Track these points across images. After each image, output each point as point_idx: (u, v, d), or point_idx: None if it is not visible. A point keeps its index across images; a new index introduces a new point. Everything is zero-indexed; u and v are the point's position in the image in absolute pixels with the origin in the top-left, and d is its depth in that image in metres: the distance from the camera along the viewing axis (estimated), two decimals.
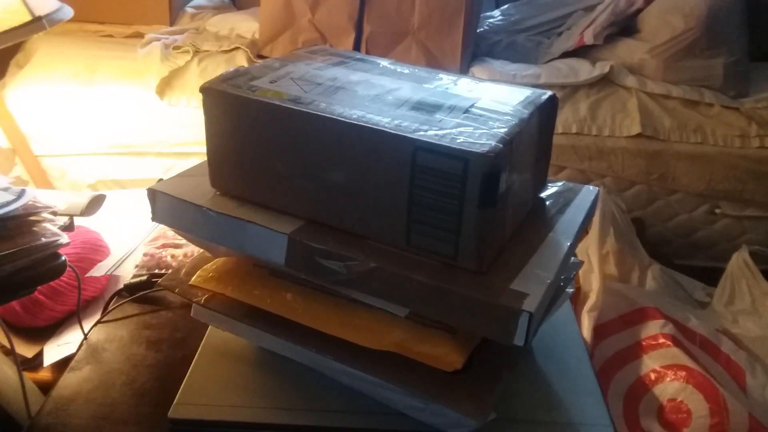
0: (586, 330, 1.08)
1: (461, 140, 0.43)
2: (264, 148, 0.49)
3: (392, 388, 0.48)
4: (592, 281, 1.17)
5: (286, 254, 0.48)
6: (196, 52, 1.50)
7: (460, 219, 0.43)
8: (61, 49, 1.54)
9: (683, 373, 0.97)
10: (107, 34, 1.62)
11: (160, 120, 1.48)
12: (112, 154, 1.50)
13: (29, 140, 1.48)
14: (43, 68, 1.51)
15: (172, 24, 1.65)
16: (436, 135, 0.43)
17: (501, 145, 0.42)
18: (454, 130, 0.44)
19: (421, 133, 0.43)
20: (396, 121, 0.45)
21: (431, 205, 0.44)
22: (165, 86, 1.47)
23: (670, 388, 0.97)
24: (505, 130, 0.45)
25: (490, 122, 0.46)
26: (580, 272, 1.19)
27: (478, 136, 0.43)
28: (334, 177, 0.47)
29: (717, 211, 1.48)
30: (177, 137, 1.48)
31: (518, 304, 0.41)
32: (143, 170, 1.50)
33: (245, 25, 1.62)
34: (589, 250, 1.21)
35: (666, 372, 0.99)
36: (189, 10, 1.75)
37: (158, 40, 1.52)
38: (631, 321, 1.10)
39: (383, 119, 0.45)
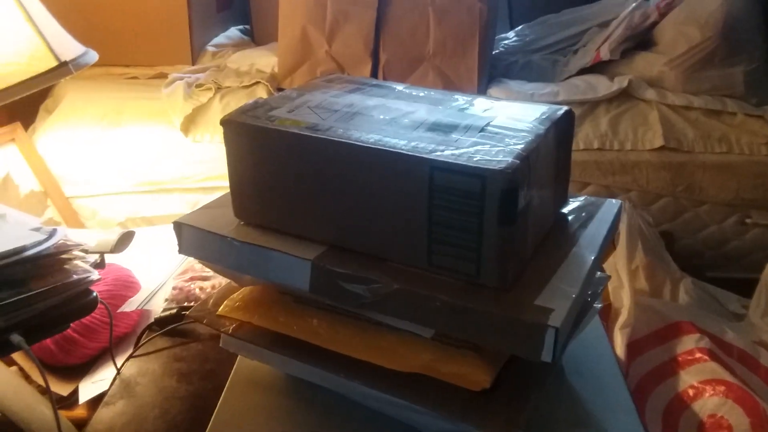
0: (620, 347, 1.07)
1: (478, 158, 0.43)
2: (284, 176, 0.50)
3: (421, 411, 0.48)
4: (623, 297, 1.15)
5: (310, 280, 0.48)
6: (218, 88, 1.54)
7: (481, 237, 0.43)
8: (88, 93, 1.58)
9: (722, 388, 0.95)
10: (132, 76, 1.66)
11: (185, 157, 1.51)
12: (140, 192, 1.53)
13: (60, 182, 1.52)
14: (72, 112, 1.56)
15: (194, 63, 1.69)
16: (452, 154, 0.44)
17: (518, 162, 0.42)
18: (470, 149, 0.44)
19: (438, 153, 0.44)
20: (413, 143, 0.45)
21: (451, 224, 0.44)
22: (189, 123, 1.50)
23: (709, 404, 0.94)
24: (522, 146, 0.45)
25: (507, 139, 0.46)
26: (611, 289, 1.18)
27: (494, 154, 0.43)
28: (354, 201, 0.47)
29: (747, 221, 1.46)
30: (202, 173, 1.51)
31: (544, 320, 0.41)
32: (170, 206, 1.53)
33: (264, 60, 1.65)
34: (618, 265, 1.19)
35: (704, 387, 0.97)
36: (210, 48, 1.79)
37: (181, 79, 1.56)
38: (666, 336, 1.08)
39: (400, 141, 0.45)
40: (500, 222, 0.42)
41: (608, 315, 1.16)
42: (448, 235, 0.44)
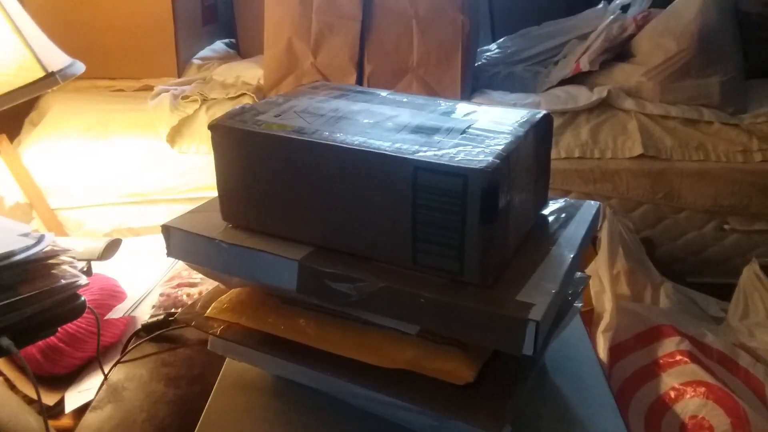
0: (602, 350, 1.08)
1: (460, 158, 0.44)
2: (271, 179, 0.51)
3: (407, 407, 0.49)
4: (604, 302, 1.17)
5: (297, 280, 0.50)
6: (204, 100, 1.55)
7: (463, 235, 0.44)
8: (73, 105, 1.58)
9: (703, 389, 0.96)
10: (118, 89, 1.67)
11: (171, 168, 1.52)
12: (126, 203, 1.53)
13: (45, 194, 1.51)
14: (57, 124, 1.56)
15: (179, 76, 1.70)
16: (435, 155, 0.45)
17: (498, 161, 0.44)
18: (452, 150, 0.46)
19: (421, 153, 0.45)
20: (396, 145, 0.47)
21: (434, 223, 0.45)
22: (175, 135, 1.51)
23: (690, 405, 0.96)
24: (502, 147, 0.47)
25: (487, 141, 0.48)
26: (593, 293, 1.20)
27: (476, 154, 0.45)
28: (340, 202, 0.49)
29: (726, 227, 1.49)
30: (188, 183, 1.52)
31: (525, 314, 0.43)
32: (156, 217, 1.53)
33: (250, 73, 1.67)
34: (599, 270, 1.21)
35: (685, 389, 0.99)
36: (195, 61, 1.80)
37: (167, 91, 1.57)
38: (647, 340, 1.10)
39: (384, 143, 0.47)
40: (482, 220, 0.44)
41: (591, 319, 1.18)
42: (432, 233, 0.46)
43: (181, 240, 0.54)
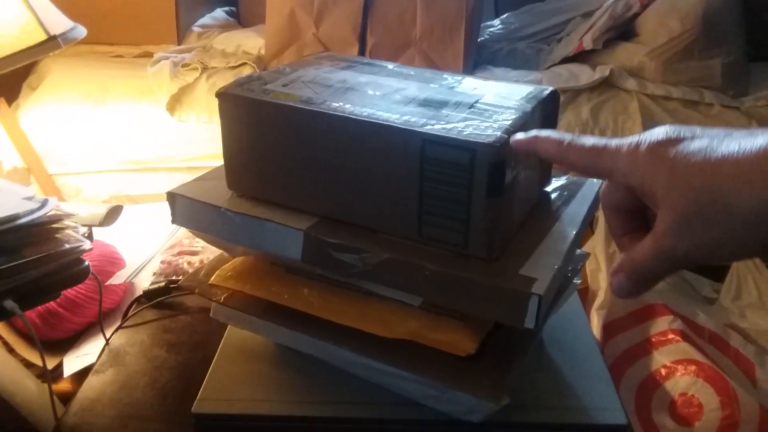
0: (596, 328, 1.10)
1: (468, 132, 0.45)
2: (278, 149, 0.51)
3: (407, 377, 0.50)
4: (600, 280, 1.18)
5: (302, 250, 0.50)
6: (204, 69, 1.53)
7: (469, 208, 0.45)
8: (72, 70, 1.57)
9: (693, 368, 0.98)
10: (117, 55, 1.65)
11: (170, 136, 1.51)
12: (125, 170, 1.53)
13: (43, 159, 1.51)
14: (56, 89, 1.55)
15: (179, 43, 1.69)
16: (443, 128, 0.45)
17: (506, 136, 0.44)
18: (460, 124, 0.46)
19: (429, 126, 0.45)
20: (405, 117, 0.47)
21: (441, 196, 0.46)
22: (175, 103, 1.50)
23: (681, 383, 0.98)
24: (510, 122, 0.47)
25: (495, 116, 0.48)
26: (588, 271, 1.21)
27: (484, 128, 0.45)
28: (347, 173, 0.49)
29: None
30: (187, 152, 1.51)
31: (528, 288, 0.43)
32: (155, 185, 1.53)
33: (251, 42, 1.65)
34: (596, 249, 1.22)
35: (676, 367, 1.00)
36: (195, 29, 1.78)
37: (167, 58, 1.55)
38: (640, 318, 1.12)
39: (392, 116, 0.47)
40: (488, 194, 0.44)
41: (586, 297, 1.19)
42: (438, 206, 0.46)
43: (186, 207, 0.54)
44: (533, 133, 0.41)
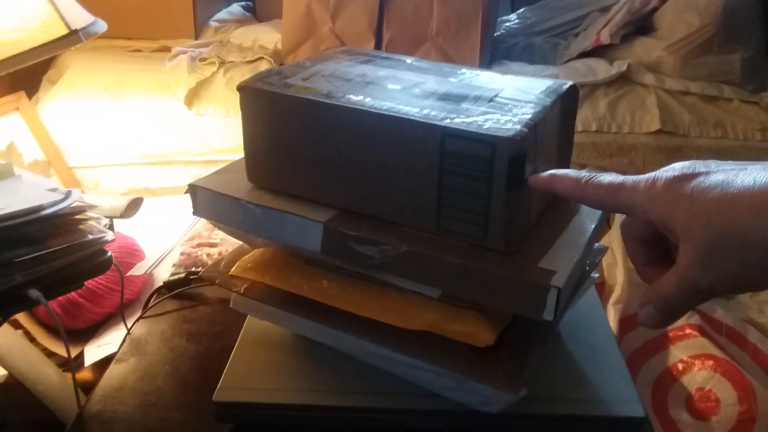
0: (613, 322, 1.10)
1: (488, 126, 0.45)
2: (299, 142, 0.51)
3: (425, 368, 0.50)
4: (616, 275, 1.18)
5: (321, 242, 0.51)
6: (222, 63, 1.55)
7: (489, 201, 0.45)
8: (91, 64, 1.59)
9: (711, 362, 0.98)
10: (135, 49, 1.67)
11: (188, 130, 1.53)
12: (143, 164, 1.55)
13: (63, 152, 1.53)
14: (75, 83, 1.56)
15: (197, 38, 1.70)
16: (463, 122, 0.45)
17: (526, 130, 0.44)
18: (480, 118, 0.46)
19: (449, 120, 0.46)
20: (425, 111, 0.47)
21: (460, 189, 0.46)
22: (193, 97, 1.52)
23: (698, 377, 0.98)
24: (530, 116, 0.47)
25: (515, 110, 0.48)
26: (605, 266, 1.21)
27: (504, 122, 0.45)
28: (367, 166, 0.49)
29: None
30: (204, 146, 1.53)
31: (547, 281, 0.44)
32: (173, 179, 1.55)
33: (267, 36, 1.66)
34: (613, 244, 1.22)
35: (693, 362, 1.00)
36: (213, 23, 1.80)
37: (185, 53, 1.57)
38: None
39: (412, 109, 0.47)
40: (508, 187, 0.44)
41: (602, 291, 1.19)
42: (457, 199, 0.46)
43: (207, 199, 0.55)
44: (550, 171, 0.42)
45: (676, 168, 0.35)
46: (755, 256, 0.31)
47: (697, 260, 0.33)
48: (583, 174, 0.40)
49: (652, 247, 0.39)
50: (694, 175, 0.34)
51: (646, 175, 0.36)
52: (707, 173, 0.34)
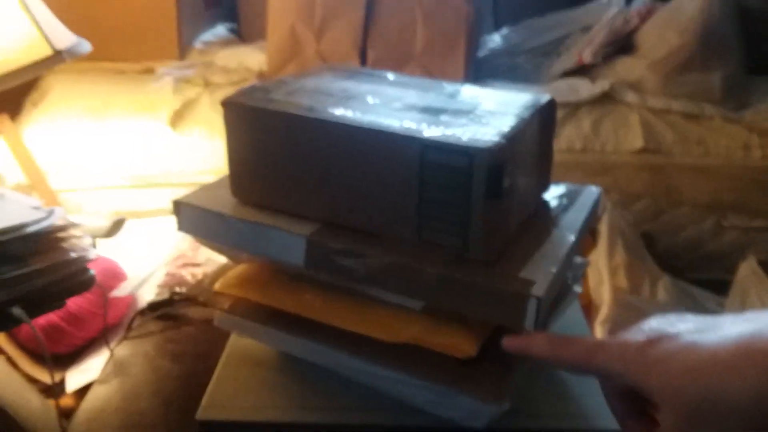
0: None
1: (467, 137, 0.45)
2: (281, 156, 0.52)
3: (410, 382, 0.50)
4: (603, 293, 1.18)
5: (305, 255, 0.51)
6: (207, 84, 1.55)
7: (468, 212, 0.45)
8: (75, 86, 1.59)
9: None
10: (119, 71, 1.67)
11: (173, 151, 1.53)
12: (127, 186, 1.54)
13: (47, 175, 1.52)
14: (59, 105, 1.56)
15: (181, 59, 1.71)
16: (443, 134, 0.46)
17: (504, 141, 0.45)
18: (459, 130, 0.47)
19: (429, 132, 0.46)
20: (405, 124, 0.48)
21: (440, 200, 0.46)
22: (177, 118, 1.52)
23: None
24: (508, 128, 0.47)
25: (493, 122, 0.49)
26: (591, 285, 1.21)
27: (482, 134, 0.46)
28: (348, 179, 0.50)
29: (724, 223, 1.50)
30: (190, 168, 1.53)
31: (527, 290, 0.44)
32: (157, 201, 1.54)
33: (252, 58, 1.67)
34: (599, 263, 1.23)
35: None
36: (197, 45, 1.81)
37: (169, 74, 1.57)
38: None
39: (393, 122, 0.48)
40: (487, 197, 0.45)
41: (589, 311, 1.19)
42: (438, 210, 0.47)
43: (191, 215, 0.55)
44: (524, 335, 0.43)
45: (645, 331, 0.36)
46: (735, 419, 0.32)
47: (676, 427, 0.34)
48: (558, 337, 0.41)
49: (632, 400, 0.39)
50: (662, 339, 0.35)
51: (619, 339, 0.38)
52: (676, 335, 0.35)
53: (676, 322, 0.36)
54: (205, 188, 0.58)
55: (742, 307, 1.26)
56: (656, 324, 0.37)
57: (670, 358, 0.34)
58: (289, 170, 0.52)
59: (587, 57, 1.59)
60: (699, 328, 0.34)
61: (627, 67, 1.57)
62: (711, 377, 0.32)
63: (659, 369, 0.34)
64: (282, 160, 0.52)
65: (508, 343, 0.43)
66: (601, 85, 1.51)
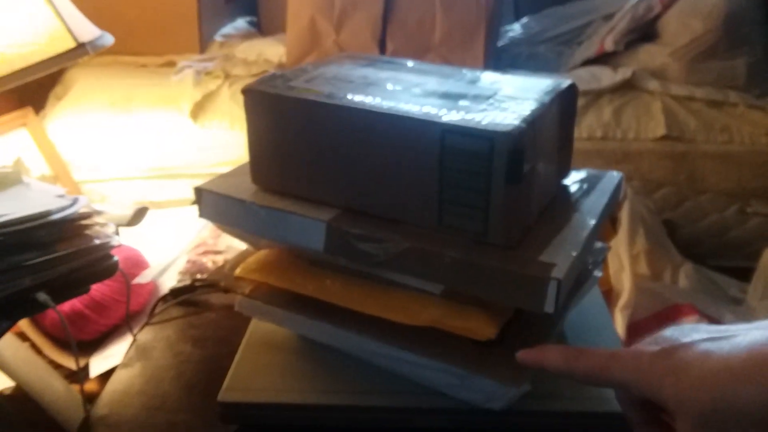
0: (620, 328, 1.09)
1: (487, 122, 0.45)
2: (301, 142, 0.52)
3: (429, 365, 0.50)
4: (623, 280, 1.18)
5: (325, 241, 0.51)
6: (227, 77, 1.56)
7: (489, 196, 0.45)
8: (98, 80, 1.61)
9: None
10: (141, 64, 1.69)
11: (194, 143, 1.54)
12: (149, 177, 1.56)
13: (70, 167, 1.54)
14: (82, 99, 1.58)
15: (202, 52, 1.72)
16: (462, 119, 0.46)
17: (524, 125, 0.45)
18: (479, 114, 0.47)
19: (448, 117, 0.46)
20: (424, 109, 0.48)
21: (460, 184, 0.46)
22: (198, 110, 1.53)
23: None
24: (528, 113, 0.47)
25: (513, 107, 0.48)
26: (612, 272, 1.21)
27: (502, 118, 0.46)
28: (368, 165, 0.50)
29: (748, 210, 1.48)
30: (210, 159, 1.54)
31: (547, 273, 0.44)
32: (179, 192, 1.56)
33: (272, 50, 1.68)
34: (619, 249, 1.22)
35: None
36: (218, 38, 1.82)
37: (190, 67, 1.59)
38: (666, 319, 1.11)
39: (413, 108, 0.48)
40: (507, 182, 0.45)
41: (609, 298, 1.18)
42: (458, 195, 0.47)
43: (212, 202, 0.56)
44: (539, 347, 0.43)
45: (659, 341, 0.37)
46: (748, 428, 0.32)
47: None
48: (571, 350, 0.41)
49: (648, 409, 0.40)
50: (676, 348, 0.35)
51: (633, 350, 0.38)
52: (689, 345, 0.35)
53: (689, 332, 0.37)
54: (226, 176, 0.59)
55: (765, 293, 1.24)
56: (669, 334, 0.37)
57: (683, 367, 0.35)
58: (309, 157, 0.52)
59: (609, 45, 1.57)
60: (712, 337, 0.35)
61: (649, 55, 1.55)
62: (724, 385, 0.33)
63: (673, 378, 0.35)
64: (302, 147, 0.52)
65: (523, 356, 0.44)
66: (622, 73, 1.49)
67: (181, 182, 1.57)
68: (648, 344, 0.37)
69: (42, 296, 0.57)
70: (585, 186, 0.59)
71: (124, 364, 0.67)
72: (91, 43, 0.95)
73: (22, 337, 1.08)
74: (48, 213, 0.58)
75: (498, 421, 0.51)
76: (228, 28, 1.90)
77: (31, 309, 0.58)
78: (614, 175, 0.61)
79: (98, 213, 0.65)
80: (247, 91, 0.53)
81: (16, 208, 0.58)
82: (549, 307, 0.43)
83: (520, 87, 0.54)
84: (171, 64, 1.66)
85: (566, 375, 0.41)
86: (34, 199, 0.62)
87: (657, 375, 0.35)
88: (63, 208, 0.60)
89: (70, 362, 1.05)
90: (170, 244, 1.08)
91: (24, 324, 1.08)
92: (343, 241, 0.50)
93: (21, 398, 0.95)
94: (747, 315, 1.15)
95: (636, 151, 1.44)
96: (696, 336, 0.36)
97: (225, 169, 1.59)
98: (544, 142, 0.50)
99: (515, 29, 1.89)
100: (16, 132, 1.48)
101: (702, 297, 1.16)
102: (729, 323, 0.93)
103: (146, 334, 0.72)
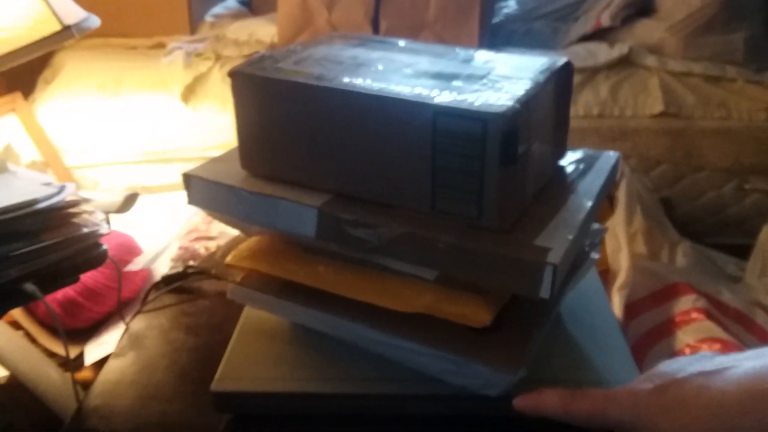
0: (618, 308, 1.09)
1: (479, 103, 0.44)
2: (291, 126, 0.51)
3: (424, 352, 0.50)
4: (620, 260, 1.17)
5: (316, 227, 0.50)
6: (218, 58, 1.54)
7: (482, 179, 0.44)
8: (87, 63, 1.59)
9: (718, 346, 0.97)
10: (131, 47, 1.67)
11: (185, 126, 1.52)
12: (141, 161, 1.55)
13: (61, 152, 1.52)
14: (71, 82, 1.56)
15: (192, 33, 1.69)
16: (454, 100, 0.45)
17: (518, 106, 0.44)
18: (472, 95, 0.45)
19: (440, 98, 0.45)
20: (416, 90, 0.46)
21: (454, 168, 0.45)
22: (189, 93, 1.51)
23: None
24: (522, 93, 0.46)
25: (507, 86, 0.47)
26: (609, 251, 1.20)
27: (496, 99, 0.44)
28: (359, 149, 0.48)
29: (746, 186, 1.47)
30: (202, 142, 1.52)
31: (543, 257, 0.43)
32: (171, 176, 1.54)
33: (263, 30, 1.65)
34: (616, 229, 1.21)
35: (700, 345, 0.99)
36: (208, 19, 1.79)
37: (180, 48, 1.56)
38: (663, 298, 1.11)
39: (404, 89, 0.46)
40: (501, 164, 0.44)
41: (606, 278, 1.18)
42: (451, 178, 0.45)
43: (201, 188, 0.55)
44: (535, 393, 0.43)
45: (653, 378, 0.37)
46: None
47: None
48: (568, 393, 0.42)
49: None
50: (671, 385, 0.36)
51: (628, 389, 0.39)
52: (684, 381, 0.35)
53: (683, 365, 0.37)
54: (215, 161, 0.58)
55: (764, 271, 1.23)
56: (663, 369, 0.38)
57: (679, 404, 0.35)
58: (299, 141, 0.51)
59: (605, 20, 1.55)
60: (706, 371, 0.35)
61: (646, 30, 1.53)
62: (719, 420, 0.33)
63: (670, 416, 0.35)
64: (291, 131, 0.51)
65: (519, 402, 0.44)
66: (619, 49, 1.47)
67: (174, 166, 1.55)
68: (642, 381, 0.38)
69: (30, 287, 0.56)
70: (581, 166, 0.58)
71: (117, 354, 0.66)
72: (77, 25, 0.93)
73: (16, 326, 1.07)
74: (34, 201, 0.57)
75: (494, 407, 0.50)
76: (218, 8, 1.87)
77: (19, 300, 0.57)
78: (611, 155, 0.60)
79: (86, 201, 0.64)
80: (233, 74, 0.52)
81: (1, 198, 0.57)
82: (545, 292, 0.43)
83: (514, 66, 0.52)
84: (161, 46, 1.64)
85: (564, 419, 0.42)
86: (19, 187, 0.61)
87: (653, 414, 0.36)
88: (49, 197, 0.59)
89: (64, 350, 1.04)
90: (163, 228, 1.07)
91: (17, 313, 1.08)
92: (335, 227, 0.49)
93: (16, 387, 0.94)
94: (745, 292, 1.15)
95: (633, 129, 1.43)
96: (690, 369, 0.36)
97: (218, 152, 1.58)
98: (539, 122, 0.49)
99: (510, 5, 1.87)
100: (5, 118, 1.46)
101: (699, 275, 1.16)
102: (727, 301, 0.92)
103: (139, 323, 0.71)
